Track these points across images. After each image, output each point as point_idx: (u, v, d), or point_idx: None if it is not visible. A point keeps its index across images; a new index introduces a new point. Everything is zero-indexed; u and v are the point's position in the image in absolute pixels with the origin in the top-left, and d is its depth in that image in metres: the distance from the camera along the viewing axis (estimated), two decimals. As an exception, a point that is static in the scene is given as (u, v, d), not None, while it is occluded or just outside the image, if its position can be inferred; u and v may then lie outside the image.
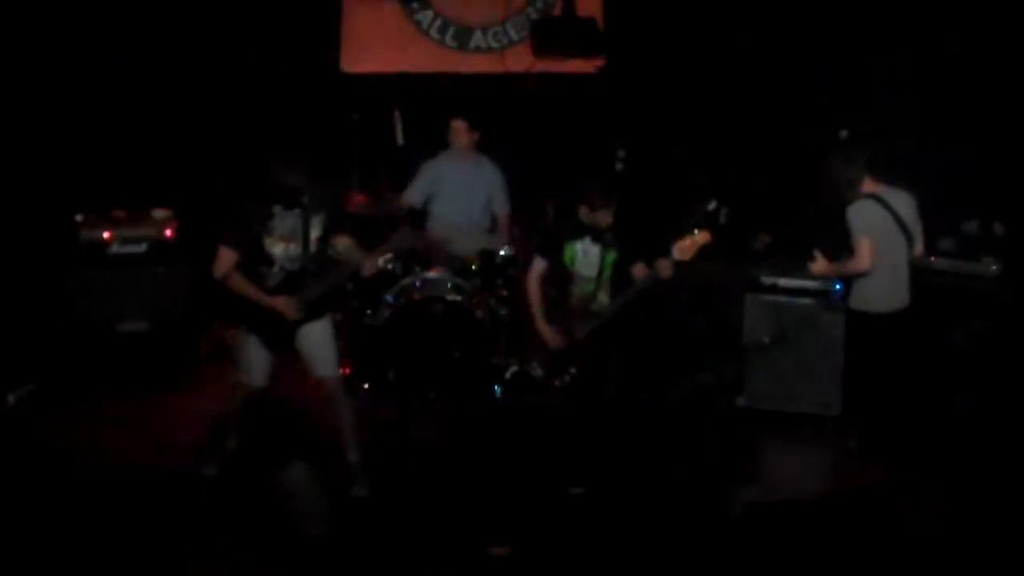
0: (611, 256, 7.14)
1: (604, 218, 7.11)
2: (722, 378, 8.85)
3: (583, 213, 7.16)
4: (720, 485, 7.38)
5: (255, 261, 6.89)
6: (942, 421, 7.90)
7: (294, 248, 6.92)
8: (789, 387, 8.17)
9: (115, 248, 8.66)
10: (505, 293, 8.71)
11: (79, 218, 8.66)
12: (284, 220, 6.89)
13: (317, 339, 7.05)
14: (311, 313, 6.98)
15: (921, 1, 9.03)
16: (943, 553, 6.42)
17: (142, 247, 8.69)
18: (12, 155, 9.09)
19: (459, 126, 8.81)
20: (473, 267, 8.66)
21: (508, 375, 8.69)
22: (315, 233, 6.94)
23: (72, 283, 8.57)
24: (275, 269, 6.92)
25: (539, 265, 7.33)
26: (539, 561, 6.35)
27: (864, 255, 7.45)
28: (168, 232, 8.72)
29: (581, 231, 7.18)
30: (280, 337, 7.00)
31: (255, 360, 7.05)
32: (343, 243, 7.04)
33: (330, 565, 6.32)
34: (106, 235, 8.65)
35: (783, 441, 8.04)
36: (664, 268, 6.97)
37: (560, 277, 7.26)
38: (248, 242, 6.86)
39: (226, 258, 6.86)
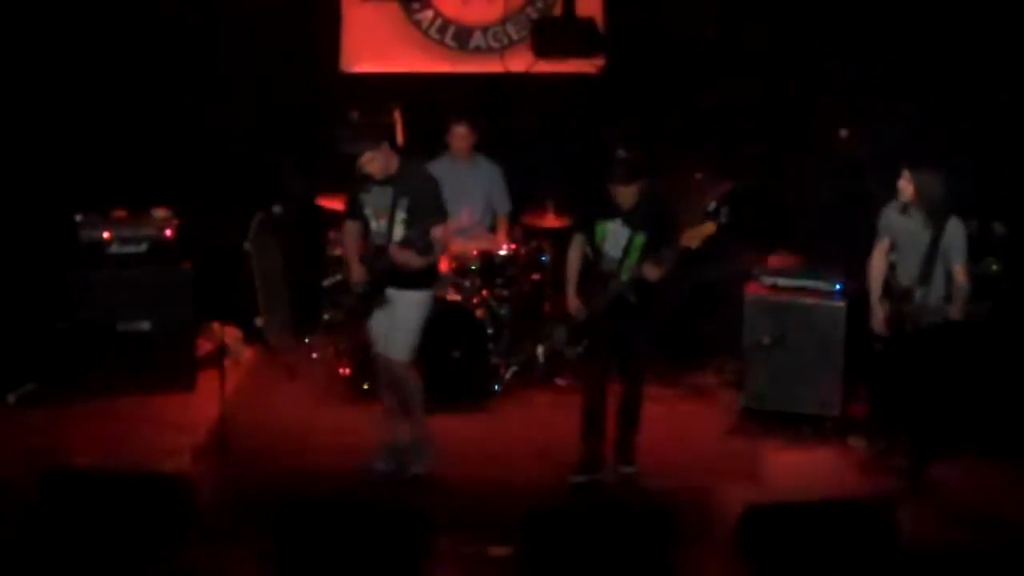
0: (640, 239, 7.21)
1: (625, 196, 7.17)
2: (722, 378, 8.87)
3: (611, 189, 7.23)
4: (720, 485, 7.39)
5: (365, 230, 7.35)
6: (942, 420, 7.89)
7: (382, 224, 7.21)
8: (789, 387, 8.17)
9: (115, 248, 8.65)
10: (505, 293, 8.72)
11: (79, 218, 8.66)
12: (378, 196, 7.22)
13: (389, 319, 7.27)
14: (374, 293, 7.25)
15: (922, 1, 9.02)
16: (942, 554, 6.42)
17: (142, 247, 8.68)
18: (12, 155, 9.09)
19: (462, 131, 8.83)
20: (473, 267, 8.66)
21: (508, 375, 8.70)
22: (400, 215, 7.15)
23: (72, 283, 8.57)
24: (372, 239, 7.29)
25: (579, 238, 7.50)
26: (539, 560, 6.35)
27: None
28: (168, 232, 8.71)
29: (612, 211, 7.26)
30: (360, 303, 7.37)
31: (371, 325, 7.38)
32: (439, 234, 7.18)
33: (330, 565, 6.31)
34: (106, 235, 8.65)
35: (783, 441, 8.04)
36: (650, 271, 7.10)
37: (589, 253, 7.39)
38: (358, 212, 7.34)
39: (348, 228, 7.47)
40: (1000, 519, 6.90)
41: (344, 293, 7.80)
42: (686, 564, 6.00)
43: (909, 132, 8.85)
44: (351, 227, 7.45)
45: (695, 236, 7.06)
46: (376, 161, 7.14)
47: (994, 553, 6.37)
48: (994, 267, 7.98)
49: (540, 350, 8.69)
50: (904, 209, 7.36)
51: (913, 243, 7.31)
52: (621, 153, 7.53)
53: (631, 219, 7.21)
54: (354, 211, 7.41)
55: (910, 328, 7.29)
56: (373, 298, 7.29)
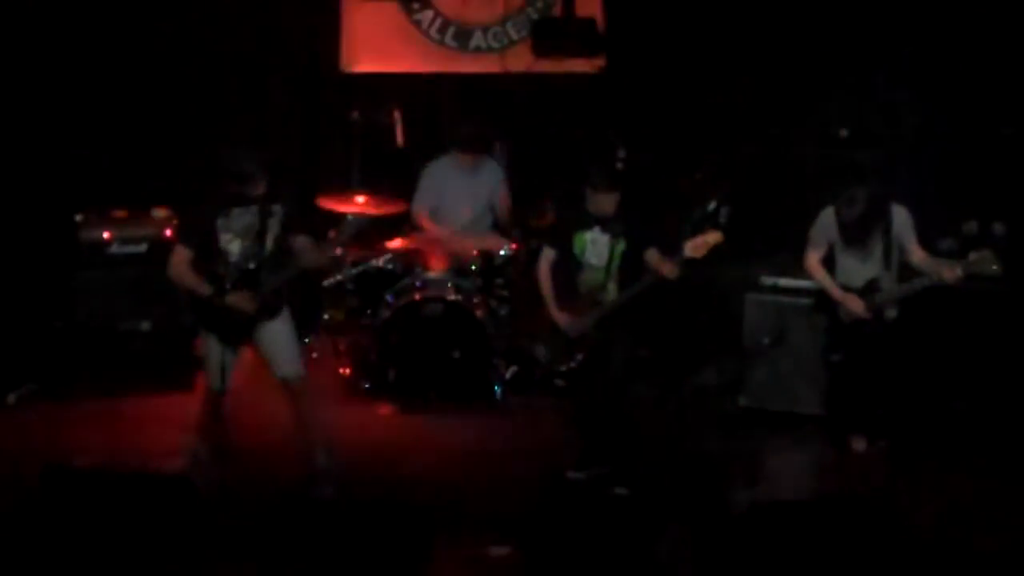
0: (620, 246, 7.16)
1: (607, 203, 7.10)
2: (722, 378, 8.87)
3: (589, 199, 7.17)
4: (720, 485, 7.39)
5: (211, 259, 6.90)
6: (941, 421, 7.90)
7: (250, 245, 6.91)
8: (789, 387, 8.17)
9: (115, 248, 8.64)
10: (505, 293, 8.72)
11: (79, 218, 8.66)
12: (241, 217, 6.91)
13: (275, 337, 7.04)
14: (266, 311, 6.96)
15: (922, 1, 9.03)
16: (942, 554, 6.42)
17: (142, 247, 8.68)
18: (12, 155, 9.09)
19: (466, 158, 8.82)
20: (473, 267, 8.66)
21: (508, 375, 8.70)
22: (272, 231, 6.92)
23: (72, 283, 8.56)
24: (232, 267, 6.92)
25: (548, 255, 7.38)
26: (539, 560, 6.35)
27: None
28: (168, 232, 8.70)
29: (590, 221, 7.20)
30: (236, 335, 7.00)
31: (213, 361, 7.05)
32: (300, 243, 6.97)
33: (330, 565, 6.32)
34: (106, 235, 8.64)
35: (783, 441, 8.03)
36: (669, 269, 6.98)
37: (570, 267, 7.30)
38: (203, 240, 6.88)
39: (179, 255, 6.90)
40: (1000, 519, 6.89)
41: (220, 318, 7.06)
42: (686, 564, 6.01)
43: (909, 132, 8.86)
44: (185, 254, 6.90)
45: (700, 246, 6.92)
46: (260, 184, 6.89)
47: (994, 553, 6.38)
48: (994, 267, 7.96)
49: (540, 350, 8.63)
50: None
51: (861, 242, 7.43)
52: (620, 153, 7.56)
53: (610, 226, 7.14)
54: (191, 237, 6.95)
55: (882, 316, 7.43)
56: (255, 323, 7.00)
